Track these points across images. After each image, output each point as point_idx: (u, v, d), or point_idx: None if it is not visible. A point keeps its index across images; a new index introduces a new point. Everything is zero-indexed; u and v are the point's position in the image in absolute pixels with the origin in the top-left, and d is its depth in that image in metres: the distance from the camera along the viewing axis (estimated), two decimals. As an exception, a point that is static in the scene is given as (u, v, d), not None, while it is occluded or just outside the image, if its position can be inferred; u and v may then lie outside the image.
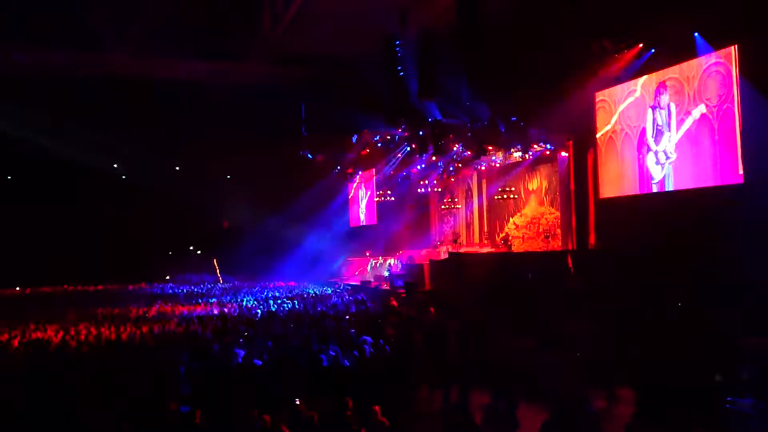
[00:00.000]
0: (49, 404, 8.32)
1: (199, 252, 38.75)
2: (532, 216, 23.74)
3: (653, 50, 16.29)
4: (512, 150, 22.62)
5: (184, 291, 28.92)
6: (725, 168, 14.12)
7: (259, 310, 19.29)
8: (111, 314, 19.82)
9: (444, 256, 23.13)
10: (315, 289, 26.60)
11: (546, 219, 22.96)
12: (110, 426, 7.37)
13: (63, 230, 33.13)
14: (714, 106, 14.42)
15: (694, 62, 15.06)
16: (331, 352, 10.07)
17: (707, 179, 14.68)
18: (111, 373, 9.80)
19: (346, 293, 24.27)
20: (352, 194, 35.26)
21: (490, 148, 22.87)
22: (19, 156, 30.17)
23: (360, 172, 32.17)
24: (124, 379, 9.41)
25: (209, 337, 13.37)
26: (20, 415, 7.88)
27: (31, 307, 23.01)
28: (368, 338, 11.25)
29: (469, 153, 23.74)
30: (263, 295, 24.86)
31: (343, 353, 10.14)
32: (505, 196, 24.11)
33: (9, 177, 33.98)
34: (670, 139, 15.79)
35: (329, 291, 25.63)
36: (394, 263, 27.07)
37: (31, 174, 32.51)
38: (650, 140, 16.50)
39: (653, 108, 16.40)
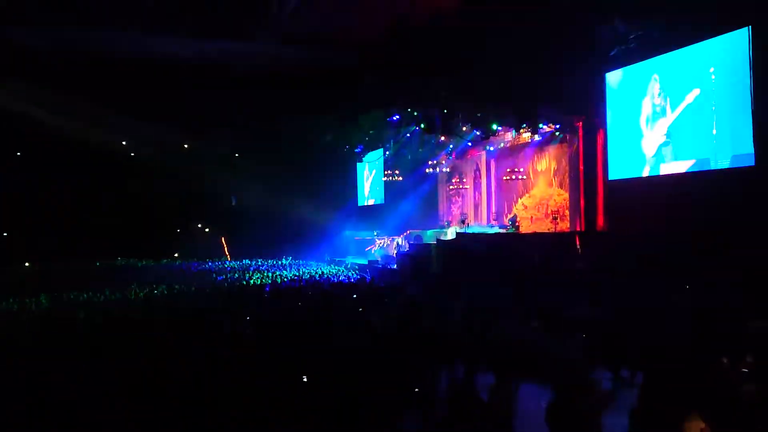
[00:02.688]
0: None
1: (207, 230, 38.88)
2: (541, 197, 23.71)
3: (663, 31, 16.14)
4: (521, 130, 22.54)
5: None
6: (737, 150, 14.03)
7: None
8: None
9: (452, 236, 23.15)
10: (322, 268, 26.72)
11: (555, 200, 22.93)
12: None
13: (70, 206, 33.30)
14: (721, 87, 14.29)
15: (704, 42, 14.93)
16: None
17: (718, 162, 14.60)
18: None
19: (353, 272, 24.38)
20: (360, 173, 35.27)
21: (500, 128, 22.81)
22: (28, 133, 30.26)
23: (369, 152, 32.13)
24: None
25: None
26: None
27: (43, 282, 23.27)
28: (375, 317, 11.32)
29: (477, 133, 23.68)
30: (271, 273, 25.02)
31: (351, 332, 10.23)
32: (513, 177, 24.06)
33: (18, 153, 34.07)
34: (678, 121, 15.68)
35: (337, 269, 25.74)
36: (402, 243, 27.12)
37: (39, 151, 32.61)
38: (659, 122, 16.40)
39: (661, 89, 16.29)
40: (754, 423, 6.12)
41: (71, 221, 32.89)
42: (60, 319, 14.10)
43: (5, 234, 33.29)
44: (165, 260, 33.36)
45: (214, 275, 25.47)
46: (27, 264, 31.31)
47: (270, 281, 21.67)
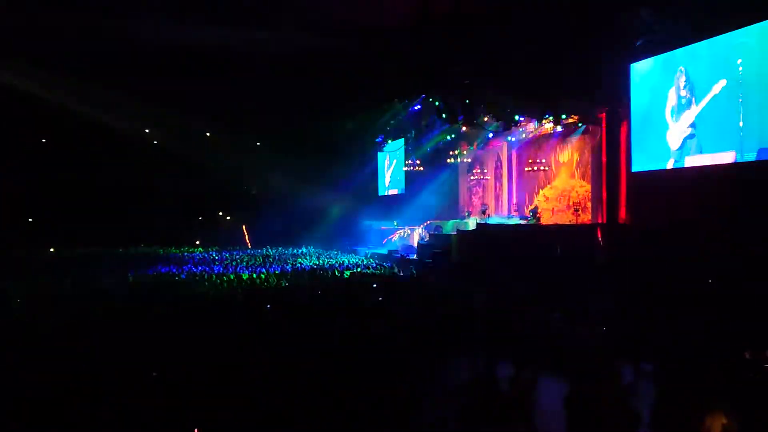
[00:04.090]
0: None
1: (228, 218, 39.15)
2: (563, 189, 23.52)
3: (689, 21, 15.88)
4: (544, 121, 22.36)
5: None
6: (764, 143, 13.81)
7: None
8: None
9: (472, 227, 23.08)
10: (342, 257, 26.79)
11: (576, 192, 22.73)
12: None
13: (93, 194, 33.63)
14: (749, 78, 14.06)
15: (732, 33, 14.68)
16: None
17: (745, 154, 14.38)
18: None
19: (373, 261, 24.41)
20: (381, 163, 35.24)
21: (522, 119, 22.65)
22: (53, 120, 30.63)
23: (390, 142, 32.07)
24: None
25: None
26: None
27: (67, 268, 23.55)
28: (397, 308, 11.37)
29: (499, 123, 23.54)
30: (291, 262, 25.12)
31: (371, 321, 10.27)
32: (535, 168, 23.90)
33: (43, 140, 34.48)
34: (704, 113, 15.47)
35: (357, 259, 25.78)
36: (422, 233, 27.10)
37: (64, 138, 32.98)
38: (684, 113, 16.18)
39: (687, 80, 16.06)
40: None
41: (93, 208, 33.23)
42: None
43: (30, 220, 33.76)
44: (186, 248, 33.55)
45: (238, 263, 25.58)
46: (52, 249, 31.71)
47: (291, 269, 21.77)
